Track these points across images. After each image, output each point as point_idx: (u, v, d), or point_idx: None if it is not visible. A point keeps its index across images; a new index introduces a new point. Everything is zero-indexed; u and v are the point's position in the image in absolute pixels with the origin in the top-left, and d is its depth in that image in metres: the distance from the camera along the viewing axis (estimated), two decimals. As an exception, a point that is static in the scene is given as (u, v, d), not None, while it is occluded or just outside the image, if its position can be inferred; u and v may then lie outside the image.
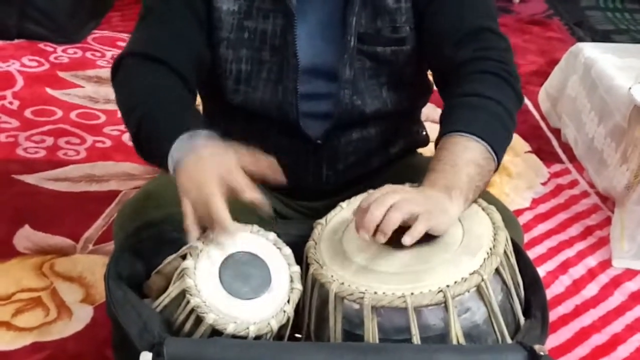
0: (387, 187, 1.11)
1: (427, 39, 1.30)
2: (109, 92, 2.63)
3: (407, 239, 1.05)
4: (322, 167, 1.37)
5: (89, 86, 2.70)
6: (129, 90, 1.25)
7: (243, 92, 1.31)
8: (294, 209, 1.41)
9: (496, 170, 1.19)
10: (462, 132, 1.16)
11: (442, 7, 1.28)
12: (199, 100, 1.41)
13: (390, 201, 1.06)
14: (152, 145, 1.18)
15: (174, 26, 1.27)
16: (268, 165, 1.13)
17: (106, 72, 2.75)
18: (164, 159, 1.13)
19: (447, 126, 1.19)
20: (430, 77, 1.47)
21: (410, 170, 1.32)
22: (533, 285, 1.17)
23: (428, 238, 1.09)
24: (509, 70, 1.25)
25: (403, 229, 1.07)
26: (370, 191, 1.24)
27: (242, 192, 1.07)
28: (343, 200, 1.25)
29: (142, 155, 1.23)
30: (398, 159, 1.44)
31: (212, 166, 1.09)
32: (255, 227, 1.15)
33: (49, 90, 2.64)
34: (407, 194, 1.09)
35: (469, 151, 1.14)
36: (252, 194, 1.07)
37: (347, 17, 1.27)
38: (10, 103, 2.54)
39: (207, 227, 1.09)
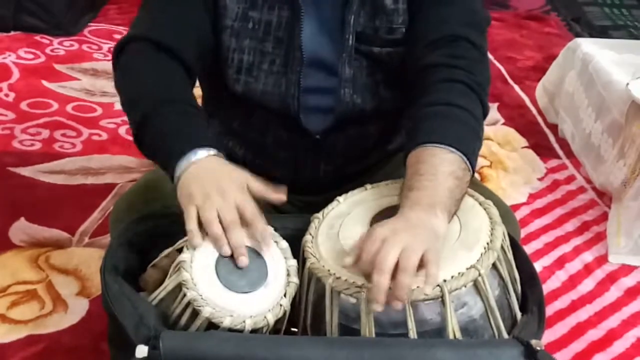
0: (379, 233, 1.04)
1: (407, 38, 1.29)
2: (105, 84, 2.63)
3: (429, 290, 1.01)
4: (321, 162, 1.37)
5: (85, 79, 2.69)
6: (134, 79, 1.24)
7: (244, 82, 1.31)
8: (292, 203, 1.40)
9: (469, 180, 1.16)
10: (438, 143, 1.13)
11: (428, 9, 1.27)
12: (198, 92, 1.41)
13: (392, 260, 1.00)
14: (157, 149, 1.18)
15: (180, 10, 1.26)
16: (273, 192, 1.15)
17: (103, 65, 2.76)
18: (167, 166, 1.13)
19: (421, 136, 1.15)
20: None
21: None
22: (530, 281, 1.16)
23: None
24: (477, 80, 1.23)
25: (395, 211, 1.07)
26: (367, 186, 1.25)
27: (251, 222, 1.09)
28: (340, 194, 1.25)
29: (140, 149, 1.22)
30: (396, 155, 1.43)
31: (226, 177, 1.10)
32: (252, 221, 1.14)
33: (45, 83, 2.63)
34: (400, 237, 1.02)
35: (447, 164, 1.12)
36: (261, 226, 1.09)
37: (346, 16, 1.27)
38: (6, 95, 2.54)
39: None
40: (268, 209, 1.36)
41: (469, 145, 1.16)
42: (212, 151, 1.14)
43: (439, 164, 1.11)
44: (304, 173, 1.37)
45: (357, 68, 1.30)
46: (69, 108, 2.49)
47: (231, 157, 1.22)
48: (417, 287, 1.03)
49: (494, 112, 2.65)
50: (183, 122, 1.17)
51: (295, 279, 1.12)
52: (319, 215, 1.21)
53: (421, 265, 1.02)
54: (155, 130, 1.17)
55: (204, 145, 1.13)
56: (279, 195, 1.16)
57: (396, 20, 1.29)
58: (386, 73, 1.32)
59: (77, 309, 1.67)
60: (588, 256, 2.00)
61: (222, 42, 1.29)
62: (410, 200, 1.09)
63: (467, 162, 1.13)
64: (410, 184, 1.11)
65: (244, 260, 1.07)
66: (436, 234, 1.06)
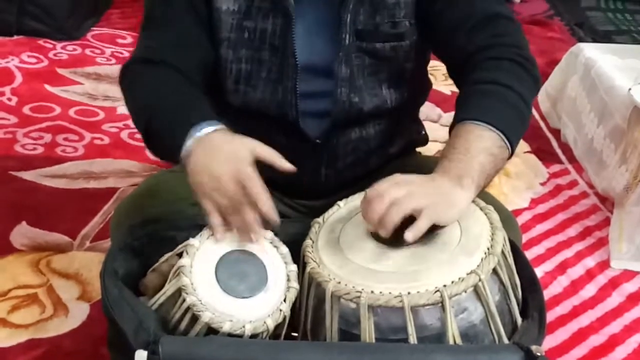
0: (397, 177, 1.11)
1: (438, 29, 1.29)
2: (107, 89, 2.63)
3: (409, 235, 1.05)
4: (321, 167, 1.37)
5: (88, 83, 2.69)
6: (137, 93, 1.26)
7: (243, 92, 1.31)
8: (292, 208, 1.41)
9: (509, 158, 1.20)
10: (476, 120, 1.16)
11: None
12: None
13: (394, 195, 1.07)
14: (163, 139, 1.18)
15: (178, 29, 1.27)
16: (281, 161, 1.15)
17: (105, 69, 2.77)
18: (177, 151, 1.14)
19: (462, 113, 1.19)
20: (430, 75, 1.47)
21: (409, 169, 1.30)
22: (531, 286, 1.16)
23: (428, 234, 1.09)
24: (524, 55, 1.25)
25: (406, 224, 1.07)
26: (368, 191, 1.25)
27: (258, 201, 1.09)
28: (341, 199, 1.25)
29: (154, 152, 1.24)
30: (397, 159, 1.43)
31: (228, 158, 1.10)
32: (253, 226, 1.14)
33: (47, 87, 2.64)
34: (414, 186, 1.09)
35: (482, 140, 1.14)
36: (268, 205, 1.09)
37: (342, 15, 1.27)
38: (9, 99, 2.54)
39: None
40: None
41: (509, 124, 1.17)
42: (216, 125, 1.14)
43: (474, 140, 1.14)
44: (305, 178, 1.36)
45: (359, 67, 1.30)
46: (71, 112, 2.49)
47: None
48: (418, 292, 1.04)
49: (496, 117, 2.64)
50: (182, 104, 1.18)
51: (295, 284, 1.12)
52: (320, 219, 1.21)
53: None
54: (159, 123, 1.18)
55: (204, 119, 1.14)
56: (286, 165, 1.15)
57: (398, 14, 1.29)
58: (390, 71, 1.32)
59: (78, 313, 1.67)
60: (590, 261, 1.99)
61: (219, 55, 1.30)
62: (441, 168, 1.13)
63: (505, 141, 1.15)
64: (444, 155, 1.15)
65: (253, 237, 1.09)
66: (451, 202, 1.09)
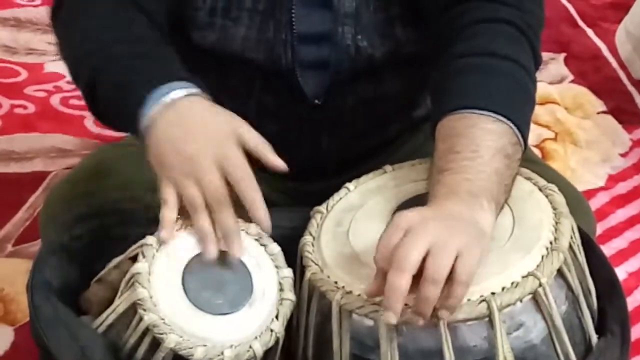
0: (404, 220, 1.03)
1: None
2: (31, 39, 2.62)
3: (444, 315, 1.00)
4: (322, 136, 1.38)
5: (5, 32, 2.69)
6: (76, 33, 1.25)
7: (219, 27, 1.31)
8: (284, 192, 1.42)
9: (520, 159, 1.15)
10: (478, 108, 1.13)
11: None
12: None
13: (416, 257, 0.98)
14: (114, 101, 1.18)
15: None
16: (272, 153, 1.15)
17: (27, 13, 2.75)
18: (133, 119, 1.14)
19: (455, 99, 1.15)
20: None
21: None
22: (609, 292, 1.17)
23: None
24: (528, 21, 1.23)
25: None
26: (387, 168, 1.26)
27: (251, 203, 1.10)
28: (350, 179, 1.26)
29: (102, 119, 1.24)
30: (424, 125, 1.43)
31: (211, 125, 1.11)
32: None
33: (-52, 37, 2.64)
34: (434, 230, 1.01)
35: (493, 137, 1.11)
36: (262, 210, 1.10)
37: None
38: None
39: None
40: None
41: (520, 110, 1.16)
42: (192, 89, 1.14)
43: (481, 137, 1.11)
44: (300, 151, 1.37)
45: (364, 1, 1.29)
46: (-18, 71, 2.50)
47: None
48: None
49: (559, 66, 2.65)
50: (147, 59, 1.18)
51: (290, 295, 1.13)
52: (322, 208, 1.22)
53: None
54: (111, 79, 1.18)
55: (177, 78, 1.14)
56: (277, 161, 1.15)
57: None
58: (405, 6, 1.31)
59: (-1, 341, 1.68)
60: (689, 259, 2.00)
61: None
62: (444, 187, 1.09)
63: (519, 135, 1.13)
64: (442, 165, 1.11)
65: (236, 249, 1.09)
66: (482, 231, 1.05)
